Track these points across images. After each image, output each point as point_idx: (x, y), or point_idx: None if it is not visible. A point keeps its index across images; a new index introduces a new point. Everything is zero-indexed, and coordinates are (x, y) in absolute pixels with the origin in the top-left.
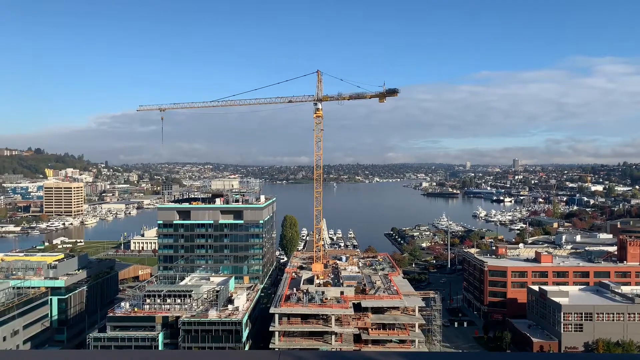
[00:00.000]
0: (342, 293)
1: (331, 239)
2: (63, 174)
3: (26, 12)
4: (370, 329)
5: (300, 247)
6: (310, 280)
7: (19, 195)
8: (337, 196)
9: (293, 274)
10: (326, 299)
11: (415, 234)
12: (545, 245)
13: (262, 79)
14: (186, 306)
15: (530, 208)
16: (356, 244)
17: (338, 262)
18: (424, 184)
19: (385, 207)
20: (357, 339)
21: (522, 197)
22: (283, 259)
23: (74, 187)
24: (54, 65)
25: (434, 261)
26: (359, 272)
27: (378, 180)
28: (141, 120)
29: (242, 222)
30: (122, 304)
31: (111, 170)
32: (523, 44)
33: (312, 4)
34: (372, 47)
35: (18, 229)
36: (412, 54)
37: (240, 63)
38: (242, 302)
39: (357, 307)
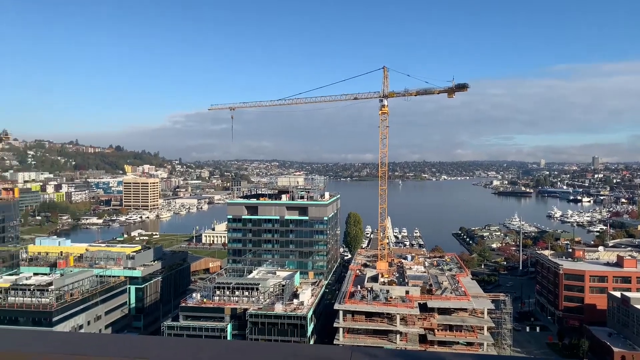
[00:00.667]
0: (407, 292)
1: (396, 237)
2: (140, 170)
3: (112, 18)
4: (436, 330)
5: (364, 245)
6: (374, 278)
7: (101, 189)
8: (403, 194)
9: (357, 271)
10: (391, 297)
11: (485, 234)
12: (629, 248)
13: (327, 76)
14: (253, 299)
15: (611, 209)
16: (422, 243)
17: (403, 261)
18: (495, 182)
19: (453, 206)
20: (422, 339)
21: (602, 197)
22: (347, 256)
23: (150, 183)
24: (134, 68)
25: (505, 263)
26: (424, 272)
27: (446, 178)
28: (213, 119)
29: (306, 218)
30: (194, 294)
31: (184, 166)
32: (605, 34)
33: (379, 2)
34: (440, 42)
35: (100, 221)
36: (483, 48)
37: (307, 62)
38: (307, 297)
39: (423, 307)
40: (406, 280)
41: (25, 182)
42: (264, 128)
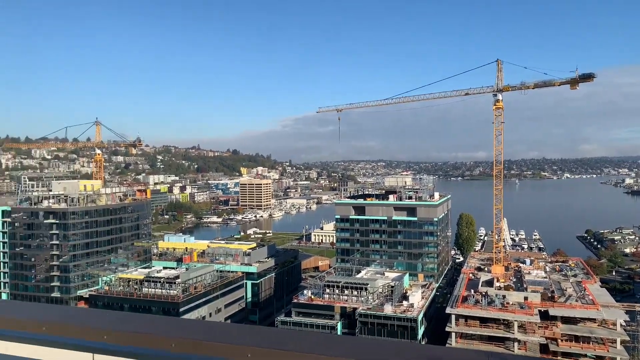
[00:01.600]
0: (525, 299)
1: (513, 240)
2: (255, 172)
3: (227, 33)
4: (559, 340)
5: (477, 247)
6: (489, 283)
7: (220, 190)
8: (520, 194)
9: (470, 274)
10: (507, 303)
11: (616, 237)
12: None
13: (436, 73)
14: (362, 298)
15: None
16: (542, 246)
17: (521, 265)
18: (628, 181)
19: (577, 206)
20: (543, 349)
21: None
22: (459, 258)
23: (264, 184)
24: (249, 77)
25: None
26: (545, 278)
27: (568, 176)
28: (320, 121)
29: (415, 219)
30: (305, 291)
31: (294, 168)
32: None
33: None
34: (559, 30)
35: (219, 219)
36: (610, 34)
37: (414, 58)
38: (417, 299)
39: (544, 316)
40: (524, 286)
41: (155, 184)
42: (371, 128)
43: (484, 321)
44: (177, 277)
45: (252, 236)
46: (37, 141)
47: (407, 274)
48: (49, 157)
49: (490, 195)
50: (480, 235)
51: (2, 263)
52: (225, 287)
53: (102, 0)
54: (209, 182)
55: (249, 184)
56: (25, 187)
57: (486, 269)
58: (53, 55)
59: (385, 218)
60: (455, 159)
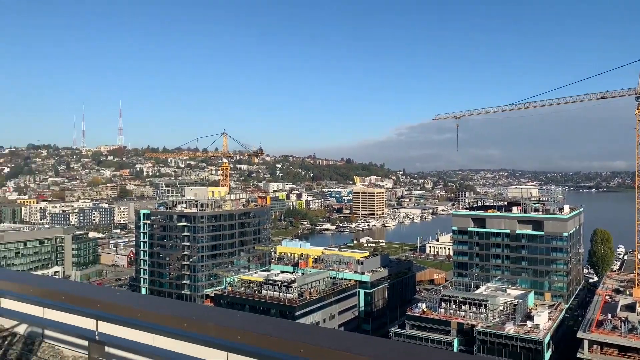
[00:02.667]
0: None
1: None
2: (368, 181)
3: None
4: None
5: (615, 267)
6: (630, 307)
7: (334, 198)
8: None
9: (606, 297)
10: None
11: None
12: None
13: (567, 75)
14: (481, 315)
15: None
16: None
17: None
18: None
19: None
20: None
21: None
22: (592, 278)
23: (377, 193)
24: (362, 86)
25: None
26: None
27: None
28: (437, 129)
29: (542, 233)
30: (419, 304)
31: (408, 177)
32: None
33: None
34: None
35: (333, 227)
36: None
37: (540, 60)
38: (543, 320)
39: None
40: None
41: (274, 191)
42: (491, 135)
43: (623, 350)
44: (294, 281)
45: (365, 245)
46: (173, 151)
47: (532, 293)
48: (183, 165)
49: (630, 209)
50: (619, 254)
51: (142, 260)
52: (338, 294)
53: (231, 16)
54: (324, 190)
55: (362, 193)
56: (162, 192)
57: (627, 291)
58: (189, 71)
59: (508, 231)
60: (588, 169)
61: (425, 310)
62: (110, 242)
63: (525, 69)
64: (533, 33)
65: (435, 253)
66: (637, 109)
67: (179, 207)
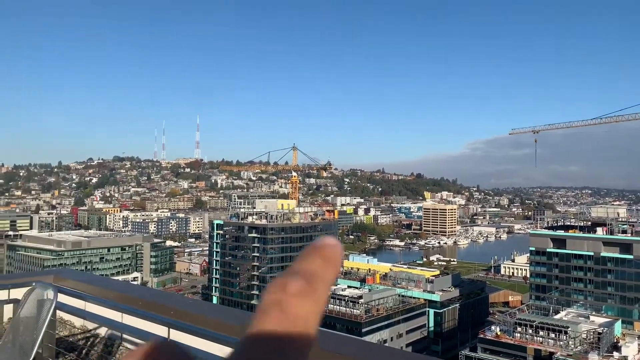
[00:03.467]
0: None
1: None
2: (439, 197)
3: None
4: None
5: None
6: None
7: (403, 214)
8: None
9: None
10: None
11: None
12: None
13: None
14: (561, 343)
15: None
16: None
17: None
18: None
19: None
20: None
21: None
22: None
23: (448, 209)
24: (434, 100)
25: None
26: None
27: None
28: (513, 144)
29: (631, 257)
30: (492, 327)
31: (482, 193)
32: None
33: None
34: None
35: (402, 243)
36: None
37: (630, 70)
38: (633, 351)
39: None
40: None
41: (342, 205)
42: (574, 151)
43: None
44: (361, 297)
45: (435, 263)
46: (246, 164)
47: (619, 321)
48: (254, 178)
49: None
50: None
51: (214, 269)
52: (406, 313)
53: (302, 33)
54: (392, 205)
55: (432, 209)
56: (235, 204)
57: None
58: (262, 87)
59: (592, 254)
60: None
61: (499, 333)
62: (185, 250)
63: (611, 81)
64: (620, 40)
65: (511, 274)
66: None
67: (250, 219)
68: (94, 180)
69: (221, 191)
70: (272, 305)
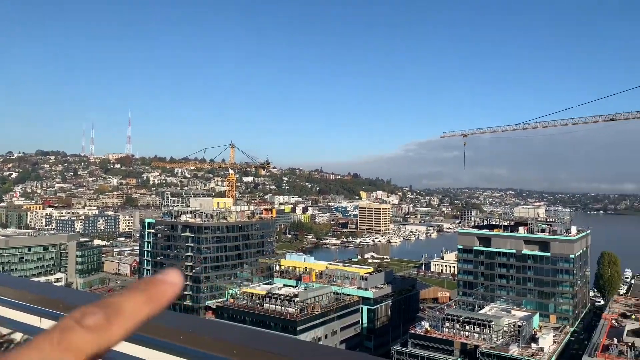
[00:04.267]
0: None
1: None
2: (374, 196)
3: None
4: None
5: (622, 291)
6: (637, 333)
7: (339, 213)
8: None
9: (613, 321)
10: None
11: None
12: None
13: (576, 96)
14: (485, 336)
15: None
16: None
17: None
18: None
19: None
20: None
21: None
22: (599, 301)
23: (383, 208)
24: (372, 102)
25: None
26: None
27: None
28: (444, 146)
29: (548, 254)
30: (422, 322)
31: (414, 193)
32: None
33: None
34: None
35: (338, 242)
36: None
37: (550, 80)
38: (548, 342)
39: None
40: None
41: (280, 204)
42: (499, 154)
43: None
44: (297, 295)
45: (370, 260)
46: (180, 161)
47: (537, 314)
48: (189, 175)
49: (638, 232)
50: (626, 277)
51: (145, 270)
52: (341, 310)
53: (243, 28)
54: (330, 204)
55: (368, 208)
56: (168, 202)
57: (633, 316)
58: (199, 82)
59: (514, 251)
60: (596, 191)
61: (428, 329)
62: (115, 250)
63: (535, 90)
64: (542, 52)
65: (440, 271)
66: None
67: (183, 217)
68: (14, 175)
69: (153, 189)
70: (56, 329)
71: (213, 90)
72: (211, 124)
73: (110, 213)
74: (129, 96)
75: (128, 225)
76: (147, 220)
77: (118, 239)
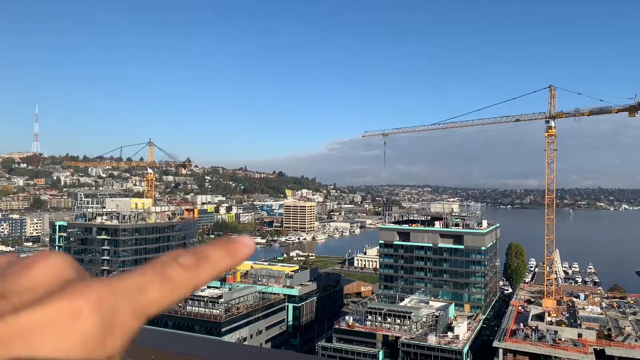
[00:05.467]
0: (579, 335)
1: (565, 272)
2: (299, 195)
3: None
4: None
5: (527, 279)
6: (540, 317)
7: (265, 212)
8: (574, 224)
9: (519, 307)
10: (559, 339)
11: None
12: None
13: (487, 98)
14: (405, 327)
15: None
16: (597, 280)
17: (575, 299)
18: None
19: (637, 239)
20: None
21: None
22: (507, 290)
23: (308, 206)
24: (297, 100)
25: None
26: (601, 314)
27: (627, 207)
28: (366, 145)
29: (462, 247)
30: (347, 317)
31: (338, 191)
32: None
33: (545, 10)
34: (619, 52)
35: (264, 241)
36: None
37: (464, 83)
38: (463, 330)
39: (600, 354)
40: (578, 322)
41: (203, 204)
42: (417, 153)
43: (533, 357)
44: (220, 296)
45: (295, 258)
46: (94, 160)
47: (453, 304)
48: (104, 175)
49: (541, 224)
50: (531, 267)
51: None
52: (266, 309)
53: (145, 25)
54: (255, 203)
55: (293, 206)
56: (81, 203)
57: (537, 302)
58: (111, 74)
59: (431, 245)
60: (504, 187)
61: (351, 323)
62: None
63: (453, 90)
64: (458, 54)
65: (363, 266)
66: (547, 132)
67: (99, 219)
68: None
69: (65, 189)
70: (157, 263)
71: (128, 87)
72: (128, 121)
73: (15, 216)
74: (35, 90)
75: (36, 229)
76: (57, 223)
77: (24, 244)
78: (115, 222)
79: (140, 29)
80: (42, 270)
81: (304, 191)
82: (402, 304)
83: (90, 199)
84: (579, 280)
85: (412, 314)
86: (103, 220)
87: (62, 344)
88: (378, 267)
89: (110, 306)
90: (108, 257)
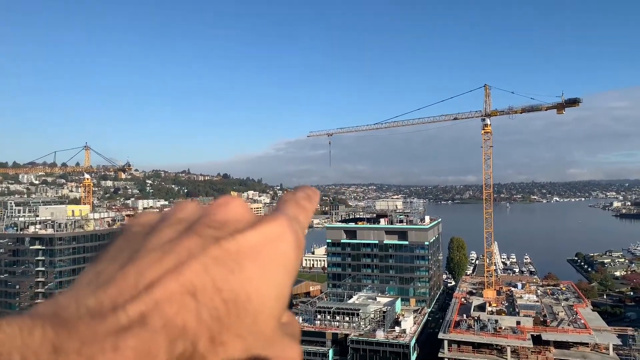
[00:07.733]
0: (518, 323)
1: (504, 263)
2: (245, 196)
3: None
4: None
5: (469, 272)
6: (481, 307)
7: None
8: (511, 217)
9: (462, 299)
10: (500, 328)
11: (605, 260)
12: None
13: (426, 97)
14: (354, 324)
15: None
16: (533, 270)
17: (513, 289)
18: (616, 204)
19: (567, 229)
20: None
21: None
22: (450, 282)
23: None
24: (240, 100)
25: (632, 293)
26: (537, 301)
27: (557, 199)
28: (312, 145)
29: (406, 243)
30: (296, 318)
31: (285, 191)
32: None
33: (480, 11)
34: (548, 54)
35: None
36: (599, 56)
37: (405, 83)
38: (409, 324)
39: (537, 340)
40: (517, 310)
41: (144, 208)
42: (361, 152)
43: (477, 347)
44: None
45: None
46: (25, 166)
47: (399, 299)
48: (37, 182)
49: (480, 218)
50: (472, 259)
51: None
52: None
53: (80, 22)
54: None
55: None
56: (12, 212)
57: (478, 293)
58: (39, 77)
59: (377, 242)
60: (445, 183)
61: (302, 323)
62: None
63: (395, 89)
64: (395, 56)
65: (312, 266)
66: (483, 129)
67: (32, 229)
68: None
69: None
70: (289, 200)
71: (57, 86)
72: (61, 125)
73: None
74: None
75: None
76: None
77: None
78: (50, 230)
79: (56, 18)
80: (236, 208)
81: (250, 193)
82: (351, 301)
83: (22, 208)
84: (517, 270)
85: (360, 311)
86: (37, 230)
87: (277, 258)
88: (326, 266)
89: (295, 230)
90: (43, 268)
